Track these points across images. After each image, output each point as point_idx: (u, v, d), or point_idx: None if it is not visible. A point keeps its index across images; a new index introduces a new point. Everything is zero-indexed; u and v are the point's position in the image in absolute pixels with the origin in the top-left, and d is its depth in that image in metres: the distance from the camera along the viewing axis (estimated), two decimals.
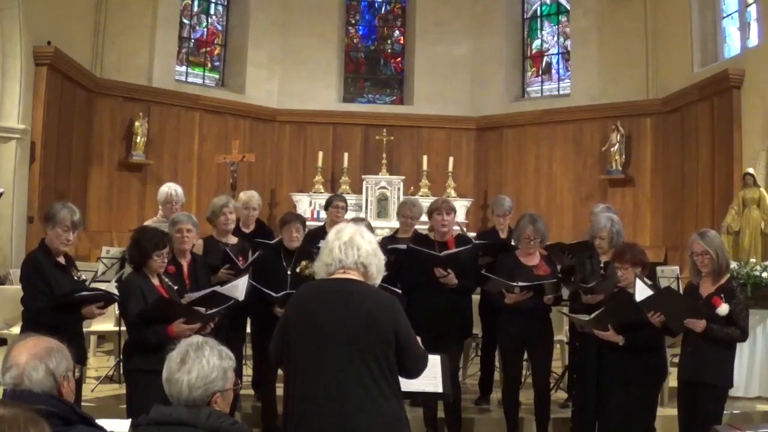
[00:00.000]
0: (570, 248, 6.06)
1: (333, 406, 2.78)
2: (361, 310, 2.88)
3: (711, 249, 4.44)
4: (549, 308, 5.43)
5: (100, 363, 7.19)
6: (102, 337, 7.71)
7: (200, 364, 2.42)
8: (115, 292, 4.55)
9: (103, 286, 6.40)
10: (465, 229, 8.68)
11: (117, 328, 6.65)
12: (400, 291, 4.93)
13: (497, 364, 6.06)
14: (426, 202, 7.06)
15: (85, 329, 5.82)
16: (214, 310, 4.41)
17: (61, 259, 4.41)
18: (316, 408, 2.80)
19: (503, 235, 6.47)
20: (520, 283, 5.14)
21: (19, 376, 2.36)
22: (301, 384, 2.86)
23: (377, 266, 3.04)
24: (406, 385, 3.05)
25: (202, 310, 4.32)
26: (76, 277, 4.46)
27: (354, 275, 2.99)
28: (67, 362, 2.46)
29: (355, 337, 2.83)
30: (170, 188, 6.41)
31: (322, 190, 12.60)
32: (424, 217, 6.27)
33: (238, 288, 4.68)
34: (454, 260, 5.25)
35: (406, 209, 6.14)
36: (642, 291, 4.38)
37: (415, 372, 3.01)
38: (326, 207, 6.73)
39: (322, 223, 7.21)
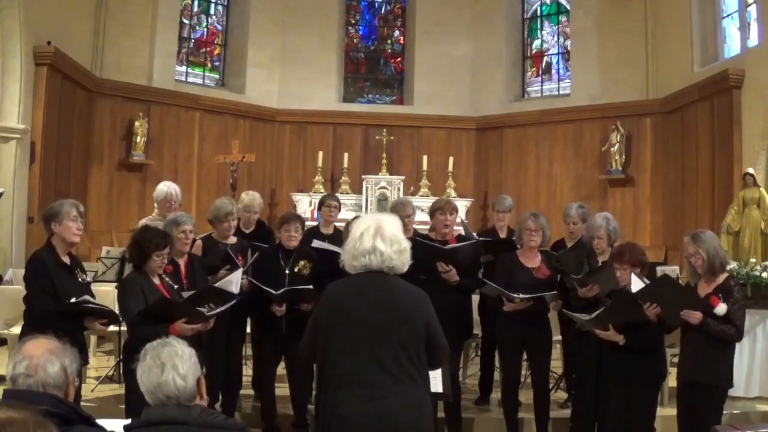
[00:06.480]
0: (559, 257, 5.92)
1: (366, 393, 2.96)
2: (394, 303, 3.06)
3: (702, 249, 4.44)
4: (548, 308, 5.44)
5: (100, 363, 7.19)
6: (102, 337, 7.70)
7: (179, 357, 2.49)
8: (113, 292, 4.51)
9: (102, 286, 6.43)
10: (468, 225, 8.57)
11: (117, 328, 6.64)
12: None
13: (497, 364, 6.05)
14: (424, 203, 7.03)
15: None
16: (216, 310, 4.40)
17: (66, 260, 4.39)
18: (349, 394, 2.98)
19: (502, 234, 6.46)
20: (521, 295, 5.11)
21: (34, 367, 2.36)
22: (336, 374, 3.02)
23: (406, 262, 3.18)
24: None
25: (204, 310, 4.32)
26: (80, 279, 4.39)
27: (384, 269, 3.11)
28: (77, 365, 2.49)
29: (389, 330, 3.01)
30: (169, 187, 6.38)
31: (323, 190, 12.56)
32: (425, 217, 6.26)
33: (233, 282, 4.66)
34: (456, 256, 5.26)
35: (402, 210, 6.08)
36: (636, 284, 4.39)
37: (436, 363, 3.20)
38: (319, 207, 6.74)
39: (316, 223, 7.22)
